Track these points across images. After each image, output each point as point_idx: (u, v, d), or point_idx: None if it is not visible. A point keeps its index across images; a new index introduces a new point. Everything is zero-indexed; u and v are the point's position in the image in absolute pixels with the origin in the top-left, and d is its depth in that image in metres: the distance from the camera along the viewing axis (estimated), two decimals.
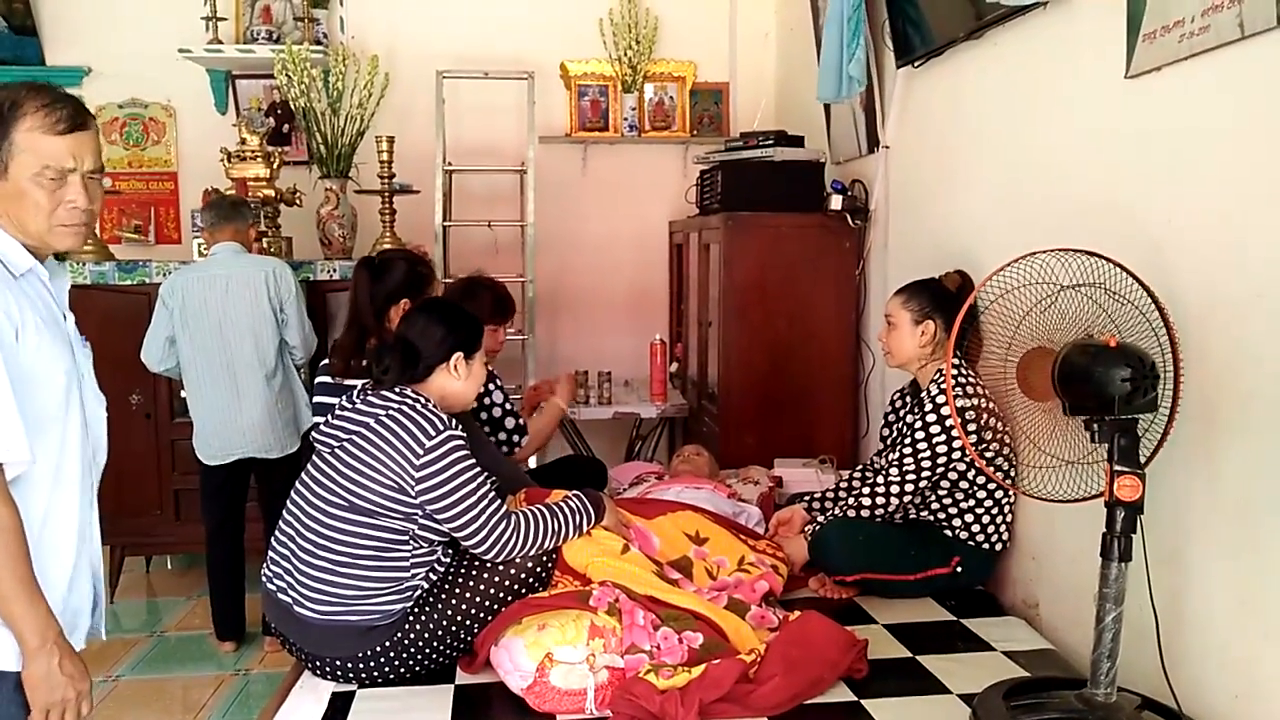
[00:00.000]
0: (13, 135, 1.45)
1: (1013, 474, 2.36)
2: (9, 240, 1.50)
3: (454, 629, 2.09)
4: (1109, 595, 1.73)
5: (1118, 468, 1.71)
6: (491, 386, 2.85)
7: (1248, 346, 1.73)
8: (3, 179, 1.47)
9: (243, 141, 4.01)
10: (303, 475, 2.15)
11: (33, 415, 1.47)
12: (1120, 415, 1.69)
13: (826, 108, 3.86)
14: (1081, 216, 2.21)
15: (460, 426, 2.10)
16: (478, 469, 2.07)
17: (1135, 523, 1.72)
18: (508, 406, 2.90)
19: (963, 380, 2.48)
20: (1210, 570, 1.84)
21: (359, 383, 2.26)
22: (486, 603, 2.11)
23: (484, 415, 2.86)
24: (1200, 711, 1.82)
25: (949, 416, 2.44)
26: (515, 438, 2.92)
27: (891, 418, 2.83)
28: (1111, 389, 1.68)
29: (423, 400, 2.09)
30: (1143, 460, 1.75)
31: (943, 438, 2.45)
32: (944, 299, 2.59)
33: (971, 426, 2.44)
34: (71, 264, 3.64)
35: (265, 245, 3.96)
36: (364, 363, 2.46)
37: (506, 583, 2.13)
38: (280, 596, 2.10)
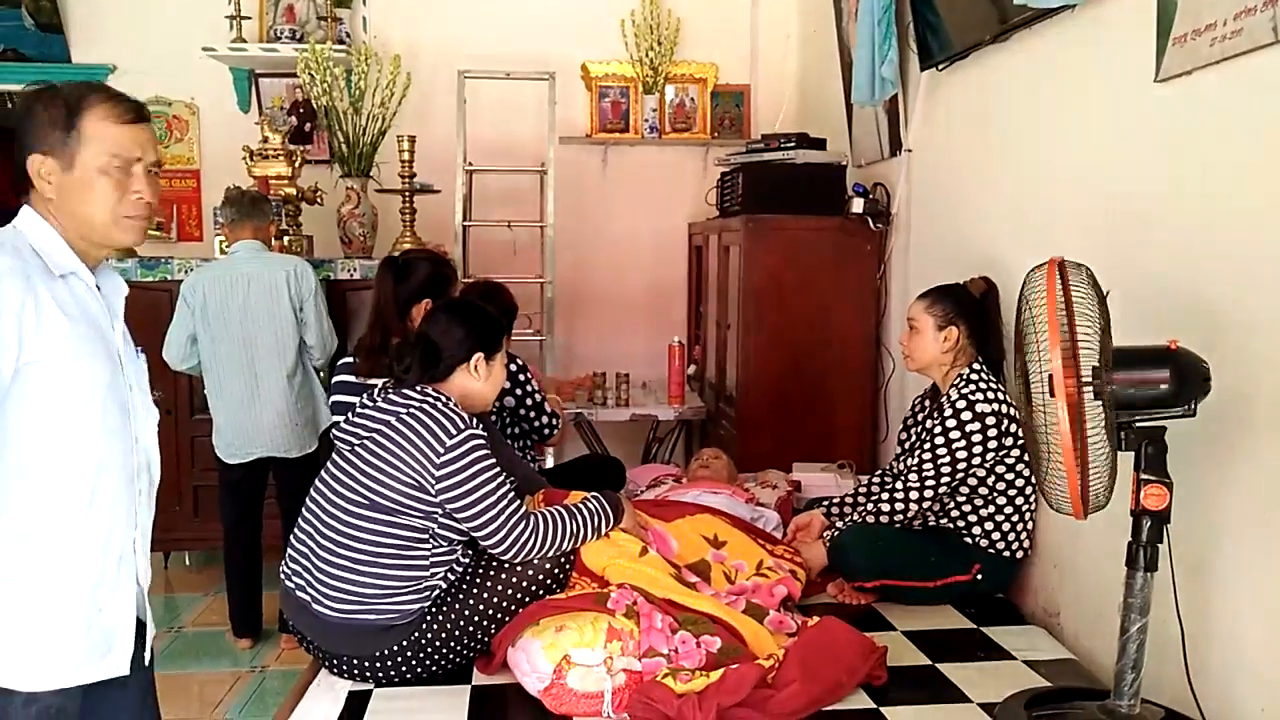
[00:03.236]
0: (80, 125, 1.47)
1: (1034, 481, 2.34)
2: (55, 240, 1.48)
3: (471, 629, 2.08)
4: (1134, 605, 1.71)
5: (1144, 476, 1.69)
6: (523, 378, 2.96)
7: None
8: (69, 171, 1.47)
9: (265, 140, 4.04)
10: (322, 473, 2.15)
11: (57, 426, 1.44)
12: (1185, 415, 1.67)
13: (849, 110, 3.84)
14: (1108, 222, 2.18)
15: (481, 426, 2.10)
16: (498, 469, 2.07)
17: (1162, 532, 1.69)
18: (542, 394, 3.04)
19: (984, 385, 2.46)
20: (1238, 580, 1.81)
21: (379, 382, 2.27)
22: (504, 604, 2.10)
23: (528, 402, 2.98)
24: None
25: (970, 421, 2.42)
26: (554, 420, 3.04)
27: (910, 423, 2.81)
28: (1176, 389, 1.66)
29: (444, 399, 2.09)
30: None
31: (962, 443, 2.43)
32: (968, 305, 2.57)
33: (993, 433, 2.42)
34: None
35: (286, 244, 3.99)
36: (387, 362, 2.47)
37: (524, 584, 2.12)
38: (298, 594, 2.10)
